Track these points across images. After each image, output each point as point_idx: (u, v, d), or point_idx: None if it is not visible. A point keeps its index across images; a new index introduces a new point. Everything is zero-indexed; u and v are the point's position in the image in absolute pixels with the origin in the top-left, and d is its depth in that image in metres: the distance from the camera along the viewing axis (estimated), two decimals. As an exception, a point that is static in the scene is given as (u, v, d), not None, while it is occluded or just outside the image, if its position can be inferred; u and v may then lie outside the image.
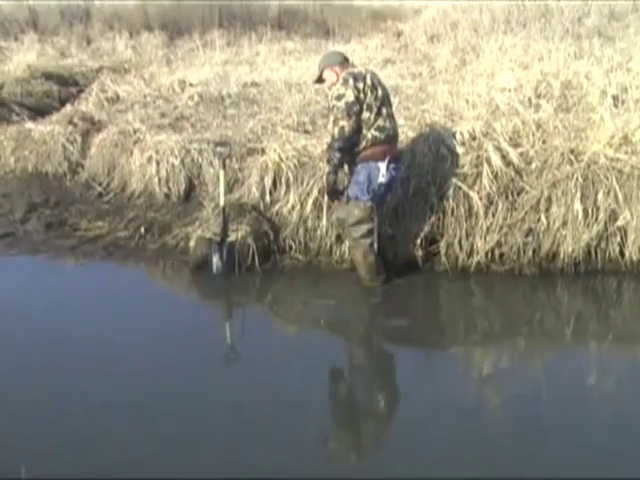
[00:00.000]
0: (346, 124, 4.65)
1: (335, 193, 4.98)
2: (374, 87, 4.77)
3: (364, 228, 4.99)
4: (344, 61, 4.96)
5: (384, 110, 4.83)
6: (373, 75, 4.87)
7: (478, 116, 6.14)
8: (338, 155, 4.71)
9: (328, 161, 4.82)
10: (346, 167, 5.00)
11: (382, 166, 4.85)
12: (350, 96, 4.65)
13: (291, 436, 3.41)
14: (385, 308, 5.04)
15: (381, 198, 5.10)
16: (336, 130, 4.67)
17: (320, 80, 5.09)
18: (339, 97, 4.68)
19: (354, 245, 5.11)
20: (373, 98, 4.72)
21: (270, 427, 3.48)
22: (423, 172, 5.63)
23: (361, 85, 4.70)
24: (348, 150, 4.75)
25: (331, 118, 4.78)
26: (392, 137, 4.94)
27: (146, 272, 5.60)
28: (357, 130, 4.72)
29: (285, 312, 5.07)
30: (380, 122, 4.76)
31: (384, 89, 4.91)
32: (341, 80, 4.73)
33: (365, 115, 4.71)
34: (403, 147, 5.80)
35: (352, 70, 4.82)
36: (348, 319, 4.94)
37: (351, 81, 4.68)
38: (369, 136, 4.78)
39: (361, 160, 4.86)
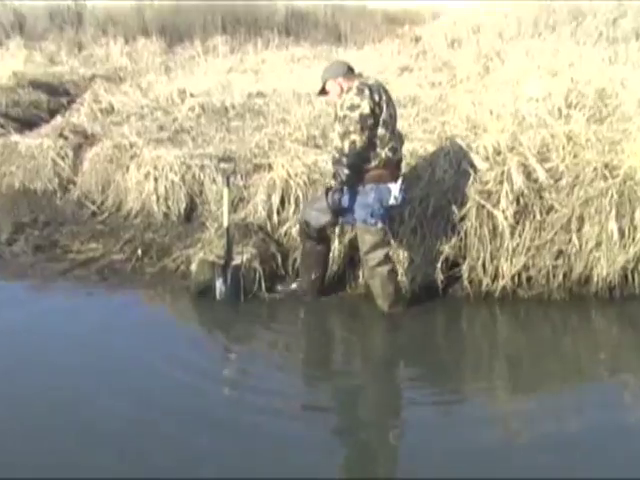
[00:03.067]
0: (358, 138, 4.64)
1: (341, 211, 5.00)
2: (388, 103, 4.81)
3: (380, 254, 5.03)
4: (348, 71, 4.97)
5: (396, 130, 4.90)
6: (385, 90, 4.91)
7: (503, 128, 6.23)
8: (347, 172, 4.71)
9: (334, 177, 4.83)
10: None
11: (394, 187, 4.91)
12: (366, 108, 4.64)
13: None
14: (404, 339, 5.10)
15: (390, 220, 5.24)
16: (346, 144, 4.66)
17: (323, 92, 5.12)
18: (352, 107, 4.65)
19: (370, 275, 5.15)
20: (388, 115, 4.76)
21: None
22: (443, 189, 5.70)
23: (377, 98, 4.71)
24: (357, 167, 4.75)
25: (338, 129, 4.75)
26: (400, 160, 5.05)
27: (143, 298, 5.65)
28: (368, 146, 4.72)
29: (294, 344, 5.12)
30: (393, 142, 4.80)
31: (394, 106, 4.98)
32: (355, 89, 4.70)
33: (380, 132, 4.73)
34: (421, 162, 5.97)
35: (366, 81, 4.82)
36: (364, 354, 4.98)
37: (367, 92, 4.68)
38: (383, 155, 4.81)
39: (370, 180, 4.87)
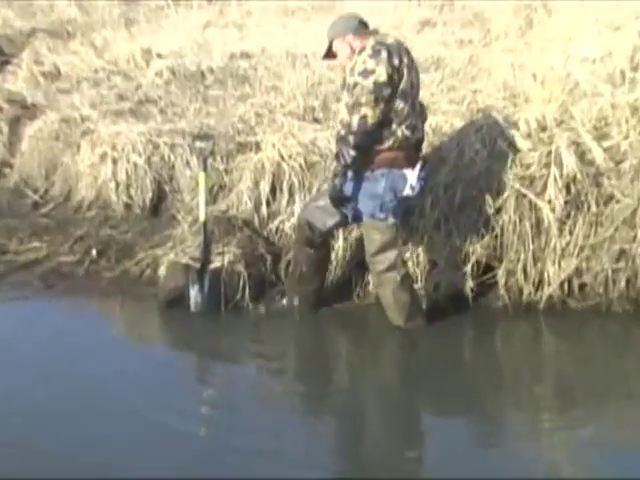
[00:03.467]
0: (370, 112, 4.67)
1: (342, 200, 5.02)
2: (410, 68, 4.83)
3: (390, 256, 5.07)
4: (360, 27, 5.01)
5: (417, 103, 4.94)
6: (407, 51, 4.93)
7: (550, 97, 6.22)
8: (353, 153, 4.73)
9: (337, 157, 4.85)
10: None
11: (411, 175, 4.95)
12: (382, 74, 4.67)
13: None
14: (425, 362, 5.10)
15: (404, 214, 5.26)
16: (355, 118, 4.68)
17: (330, 54, 5.15)
18: (366, 73, 4.68)
19: (378, 282, 5.22)
20: (409, 84, 4.79)
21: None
22: (474, 174, 5.76)
23: (397, 62, 4.74)
24: (366, 147, 4.80)
25: (346, 99, 4.79)
26: (420, 141, 5.09)
27: (99, 310, 5.73)
28: (383, 122, 4.77)
29: (286, 371, 5.15)
30: (413, 119, 4.85)
31: (417, 73, 5.00)
32: (369, 50, 4.72)
33: (399, 105, 4.77)
34: (447, 140, 6.03)
35: (383, 39, 4.84)
36: (374, 382, 4.96)
37: (384, 53, 4.69)
38: (399, 134, 4.84)
39: (381, 165, 4.92)
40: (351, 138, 4.72)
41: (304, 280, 5.43)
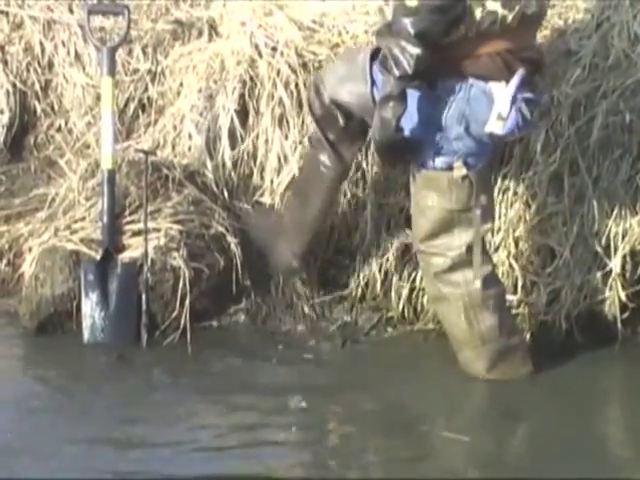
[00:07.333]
0: None
1: (397, 151, 3.88)
2: None
3: (458, 244, 4.00)
4: None
5: None
6: None
7: None
8: (416, 51, 3.62)
9: (384, 64, 3.81)
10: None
11: (501, 93, 3.82)
12: None
13: None
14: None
15: (488, 162, 4.22)
16: None
17: None
18: None
19: (436, 292, 4.20)
20: None
21: None
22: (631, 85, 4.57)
23: None
24: (434, 45, 3.74)
25: None
26: (532, 24, 4.02)
27: None
28: None
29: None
30: None
31: None
32: None
33: None
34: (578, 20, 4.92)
35: None
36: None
37: None
38: (480, 12, 3.77)
39: (446, 72, 3.92)
40: (409, 23, 3.66)
41: (308, 198, 4.53)
